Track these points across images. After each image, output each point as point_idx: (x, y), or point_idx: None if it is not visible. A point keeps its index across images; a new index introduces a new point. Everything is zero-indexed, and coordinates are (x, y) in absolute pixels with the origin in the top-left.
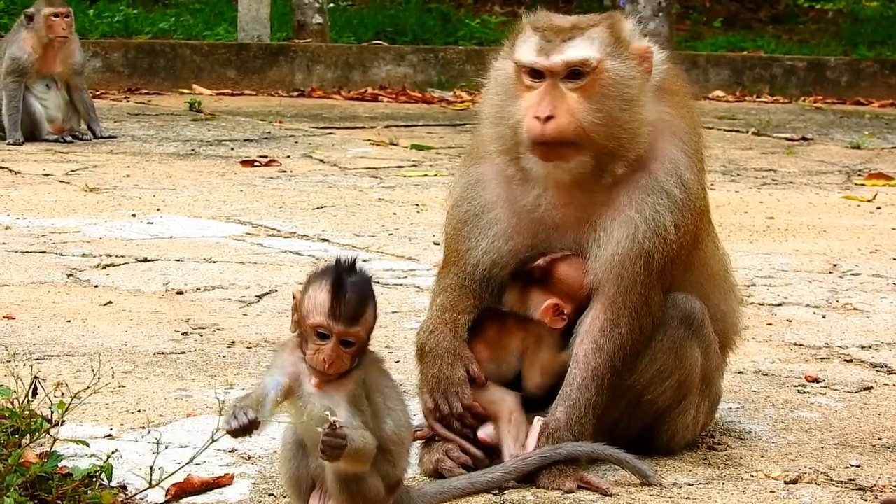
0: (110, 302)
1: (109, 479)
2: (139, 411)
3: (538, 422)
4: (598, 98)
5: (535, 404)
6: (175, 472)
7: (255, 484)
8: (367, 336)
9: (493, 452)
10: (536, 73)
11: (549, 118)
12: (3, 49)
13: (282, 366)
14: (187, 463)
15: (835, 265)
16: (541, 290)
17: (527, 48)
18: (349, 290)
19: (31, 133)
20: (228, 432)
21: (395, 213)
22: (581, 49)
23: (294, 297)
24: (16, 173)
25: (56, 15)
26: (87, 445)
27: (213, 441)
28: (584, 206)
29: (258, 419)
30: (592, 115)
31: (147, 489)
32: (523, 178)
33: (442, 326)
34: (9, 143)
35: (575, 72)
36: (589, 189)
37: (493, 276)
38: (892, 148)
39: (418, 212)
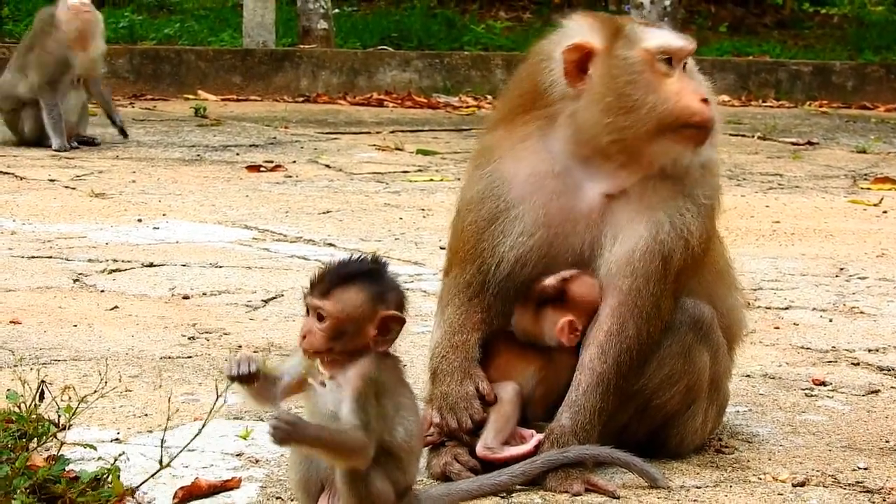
0: (116, 307)
1: (117, 489)
2: (146, 415)
3: (535, 436)
4: None
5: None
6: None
7: (262, 487)
8: (342, 318)
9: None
10: (668, 62)
11: (710, 101)
12: (26, 56)
13: (297, 360)
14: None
15: (841, 269)
16: (555, 310)
17: (664, 36)
18: (338, 266)
19: (42, 139)
20: (228, 377)
21: (400, 218)
22: None
23: None
24: (21, 179)
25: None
26: (95, 449)
27: (219, 397)
28: (632, 199)
29: (260, 372)
30: None
31: (157, 472)
32: (571, 177)
33: (453, 351)
34: (56, 150)
35: (684, 63)
36: (651, 182)
37: (513, 274)
38: None
39: (424, 216)
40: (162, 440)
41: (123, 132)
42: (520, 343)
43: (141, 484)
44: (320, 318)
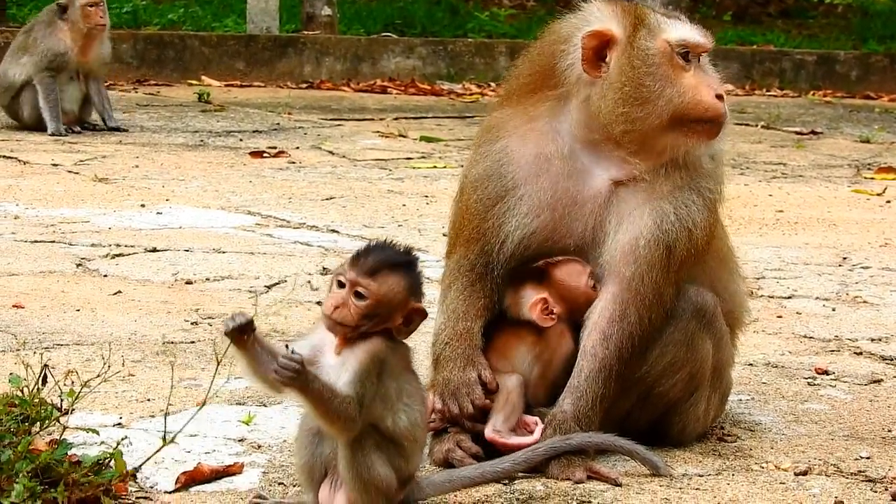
0: (119, 291)
1: (119, 467)
2: (148, 400)
3: (539, 424)
4: None
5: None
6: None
7: (264, 472)
8: (381, 300)
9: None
10: (686, 56)
11: (724, 97)
12: (32, 40)
13: (309, 338)
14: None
15: (844, 258)
16: (534, 287)
17: (685, 29)
18: (380, 250)
19: (42, 123)
20: (225, 333)
21: (404, 205)
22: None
23: None
24: (25, 163)
25: (92, 4)
26: (97, 433)
27: (219, 364)
28: (638, 188)
29: (254, 323)
30: None
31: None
32: (577, 161)
33: (457, 338)
34: (51, 134)
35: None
36: (659, 172)
37: (516, 256)
38: None
39: (427, 203)
40: (165, 415)
41: (118, 129)
42: (516, 324)
43: (143, 462)
44: (359, 295)
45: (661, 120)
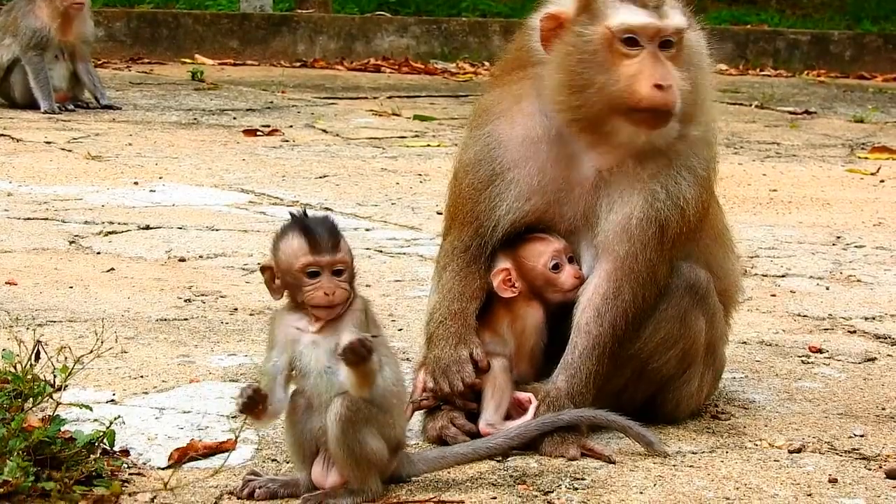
0: (112, 269)
1: (112, 444)
2: (142, 377)
3: (533, 402)
4: (685, 67)
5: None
6: None
7: (257, 449)
8: (351, 261)
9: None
10: (632, 42)
11: (668, 87)
12: (12, 19)
13: (275, 342)
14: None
15: (838, 237)
16: (503, 257)
17: (628, 13)
18: (316, 226)
19: (34, 102)
20: (240, 411)
21: (397, 183)
22: (678, 16)
23: (264, 270)
24: (17, 141)
25: None
26: (90, 410)
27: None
28: (627, 170)
29: (262, 390)
30: (684, 84)
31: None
32: (563, 147)
33: (451, 317)
34: (44, 112)
35: (667, 41)
36: (644, 154)
37: (503, 240)
38: None
39: (421, 182)
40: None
41: (111, 107)
42: (502, 299)
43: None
44: (338, 272)
45: (597, 108)
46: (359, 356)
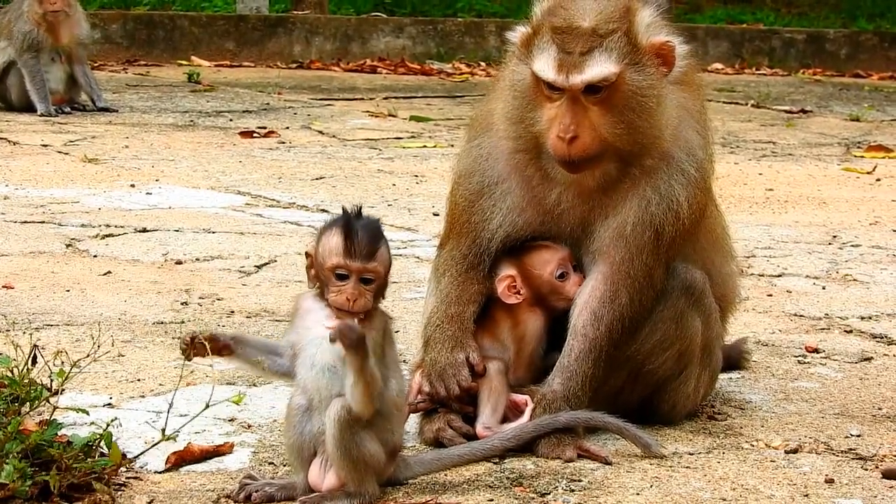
0: (109, 272)
1: (109, 448)
2: (139, 380)
3: (529, 404)
4: (620, 109)
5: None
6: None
7: (254, 452)
8: (384, 273)
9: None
10: (553, 86)
11: (573, 139)
12: (7, 21)
13: (294, 322)
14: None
15: (834, 236)
16: (508, 263)
17: (545, 62)
18: (360, 229)
19: (31, 104)
20: (183, 354)
21: (394, 184)
22: (600, 65)
23: (307, 255)
24: (14, 144)
25: None
26: (87, 413)
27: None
28: (603, 193)
29: (200, 336)
30: (615, 127)
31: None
32: (539, 169)
33: (448, 321)
34: (41, 115)
35: (594, 87)
36: (612, 183)
37: (507, 247)
38: (892, 120)
39: (417, 183)
40: (170, 404)
41: (107, 110)
42: (503, 304)
43: (139, 455)
44: (367, 280)
45: (533, 144)
46: (347, 339)
